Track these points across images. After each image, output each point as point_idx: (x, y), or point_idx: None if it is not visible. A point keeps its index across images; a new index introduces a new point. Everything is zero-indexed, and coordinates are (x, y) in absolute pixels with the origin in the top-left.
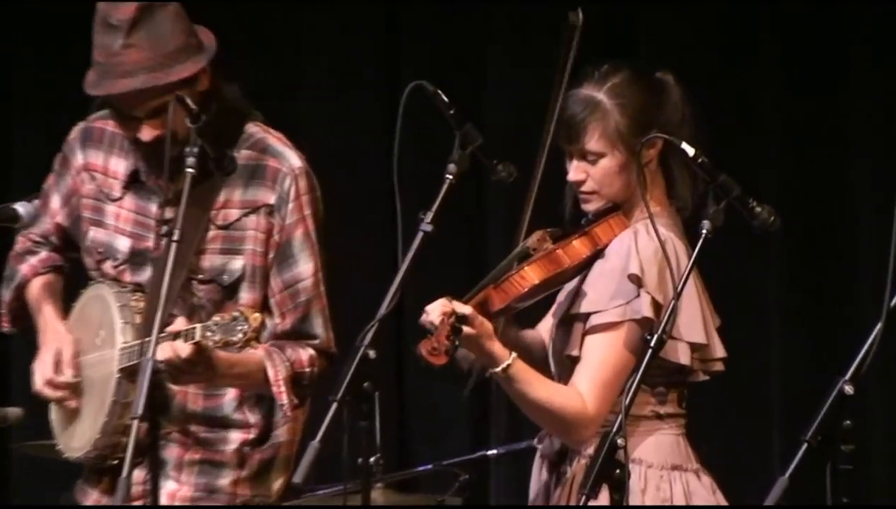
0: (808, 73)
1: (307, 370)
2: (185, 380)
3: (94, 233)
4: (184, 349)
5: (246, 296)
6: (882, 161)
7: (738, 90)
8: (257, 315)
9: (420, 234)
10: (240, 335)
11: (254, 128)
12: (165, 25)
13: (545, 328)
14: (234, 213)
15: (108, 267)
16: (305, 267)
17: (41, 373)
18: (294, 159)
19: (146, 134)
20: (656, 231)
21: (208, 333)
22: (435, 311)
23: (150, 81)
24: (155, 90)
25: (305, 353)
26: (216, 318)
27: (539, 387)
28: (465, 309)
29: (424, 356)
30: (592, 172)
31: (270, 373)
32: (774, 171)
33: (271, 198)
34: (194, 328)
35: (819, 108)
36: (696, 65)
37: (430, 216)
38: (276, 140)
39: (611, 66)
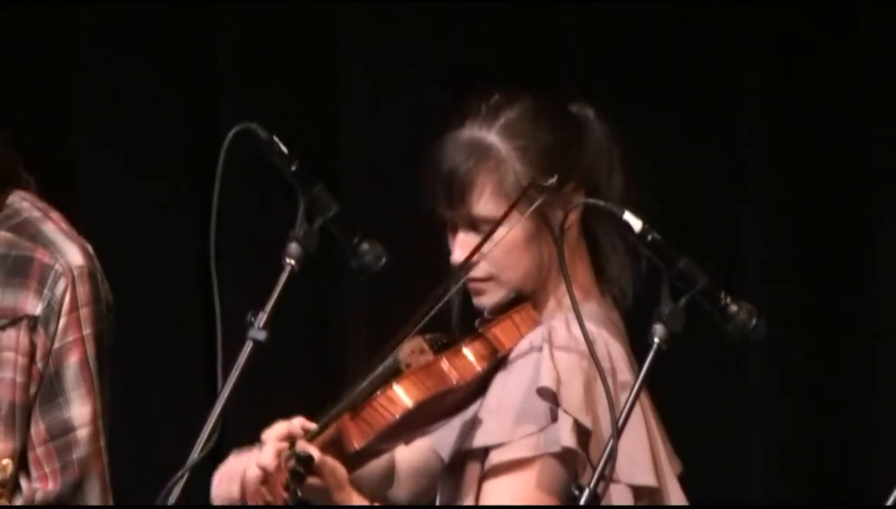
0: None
1: None
2: None
3: None
4: None
5: (0, 445)
6: None
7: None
8: (6, 462)
9: (249, 344)
10: None
11: (21, 203)
12: None
13: (406, 457)
14: None
15: None
16: (80, 411)
17: None
18: (74, 254)
19: None
20: (579, 318)
21: None
22: (266, 451)
23: None
24: None
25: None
26: None
27: None
28: (308, 448)
29: None
30: (486, 249)
31: None
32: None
33: (36, 308)
34: None
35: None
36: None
37: (262, 318)
38: (51, 224)
39: (503, 96)
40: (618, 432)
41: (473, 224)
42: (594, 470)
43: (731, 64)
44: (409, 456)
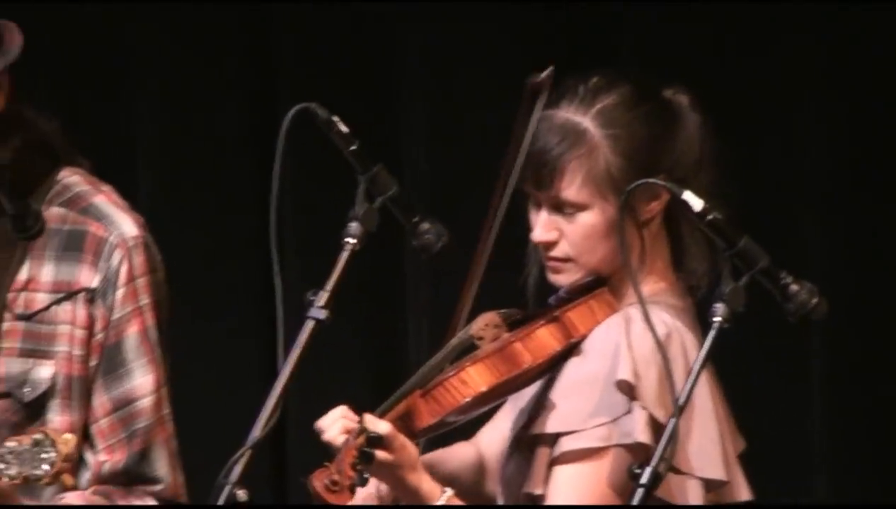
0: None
1: None
2: None
3: None
4: None
5: (57, 418)
6: None
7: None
8: (68, 436)
9: (309, 323)
10: (45, 466)
11: (72, 178)
12: None
13: (486, 443)
14: (40, 299)
15: None
16: (143, 380)
17: None
18: (127, 225)
19: None
20: (647, 318)
21: (1, 466)
22: (334, 428)
23: None
24: None
25: (143, 506)
26: (10, 444)
27: None
28: (379, 425)
29: (320, 493)
30: (568, 231)
31: None
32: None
33: (93, 280)
34: None
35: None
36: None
37: (323, 297)
38: (103, 197)
39: (603, 78)
40: (679, 412)
41: (558, 206)
42: (662, 460)
43: (790, 62)
44: (496, 450)
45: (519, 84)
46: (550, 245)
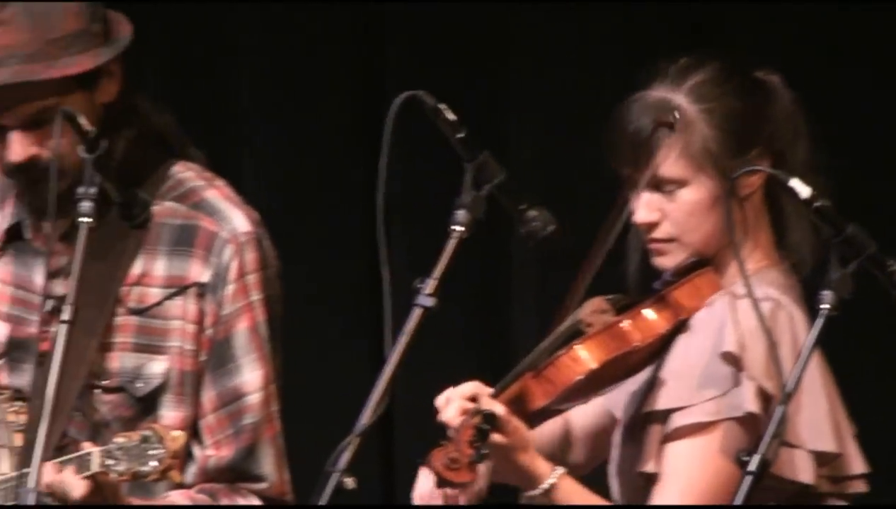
0: None
1: None
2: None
3: None
4: (76, 485)
5: (169, 413)
6: None
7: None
8: (177, 434)
9: (417, 311)
10: (153, 463)
11: (185, 172)
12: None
13: (575, 414)
14: (153, 293)
15: None
16: (251, 376)
17: None
18: (239, 221)
19: (16, 150)
20: (750, 292)
21: (109, 462)
22: (451, 409)
23: (22, 74)
24: (30, 89)
25: (247, 505)
26: (119, 440)
27: None
28: (493, 405)
29: (440, 472)
30: (670, 210)
31: None
32: None
33: (204, 276)
34: (89, 453)
35: None
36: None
37: (430, 285)
38: (216, 192)
39: (691, 60)
40: (788, 397)
41: (658, 185)
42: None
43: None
44: (583, 420)
45: (624, 74)
46: (653, 226)
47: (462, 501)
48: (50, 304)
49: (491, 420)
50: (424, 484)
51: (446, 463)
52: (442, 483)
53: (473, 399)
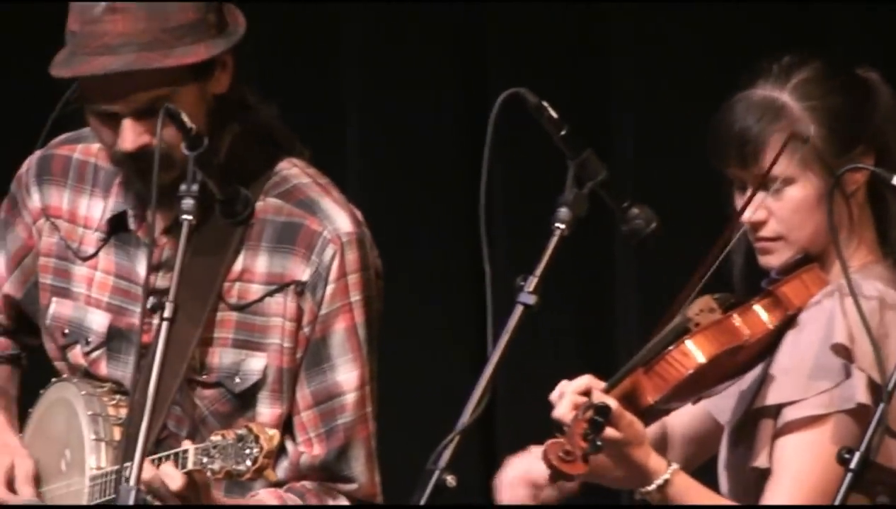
0: None
1: None
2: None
3: (57, 307)
4: (174, 479)
5: (266, 410)
6: None
7: None
8: (272, 432)
9: (518, 308)
10: (248, 462)
11: (290, 169)
12: None
13: (680, 424)
14: (254, 290)
15: (76, 354)
16: (347, 376)
17: None
18: (342, 221)
19: (129, 138)
20: (850, 285)
21: (205, 459)
22: (564, 404)
23: (137, 63)
24: (145, 77)
25: (335, 506)
26: (215, 438)
27: None
28: (605, 399)
29: (555, 464)
30: (776, 208)
31: None
32: None
33: (304, 274)
34: (185, 451)
35: None
36: None
37: (532, 283)
38: (320, 190)
39: (794, 58)
40: (889, 398)
41: (764, 183)
42: (885, 427)
43: None
44: (682, 422)
45: (726, 71)
46: (760, 225)
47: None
48: (152, 302)
49: (604, 413)
50: (509, 471)
51: (560, 455)
52: (556, 475)
53: (586, 393)
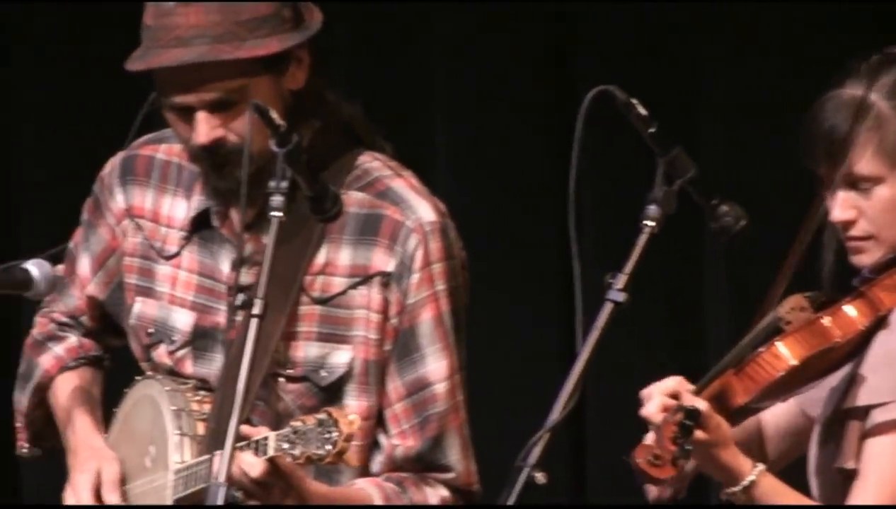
0: None
1: None
2: (262, 501)
3: (141, 307)
4: (253, 466)
5: (353, 402)
6: None
7: None
8: (353, 416)
9: (607, 306)
10: (328, 447)
11: (372, 162)
12: None
13: (773, 420)
14: (337, 283)
15: (161, 353)
16: (436, 366)
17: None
18: (425, 210)
19: (203, 131)
20: None
21: (285, 445)
22: (653, 405)
23: (210, 54)
24: (217, 69)
25: (435, 495)
26: (295, 424)
27: None
28: (696, 402)
29: (642, 468)
30: (866, 207)
31: None
32: None
33: (389, 265)
34: (266, 438)
35: None
36: None
37: (621, 280)
38: (402, 181)
39: (883, 56)
40: None
41: (853, 183)
42: None
43: None
44: (775, 417)
45: (817, 68)
46: (849, 224)
47: (665, 495)
48: (241, 299)
49: (694, 416)
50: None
51: (649, 459)
52: (645, 479)
53: (675, 395)
